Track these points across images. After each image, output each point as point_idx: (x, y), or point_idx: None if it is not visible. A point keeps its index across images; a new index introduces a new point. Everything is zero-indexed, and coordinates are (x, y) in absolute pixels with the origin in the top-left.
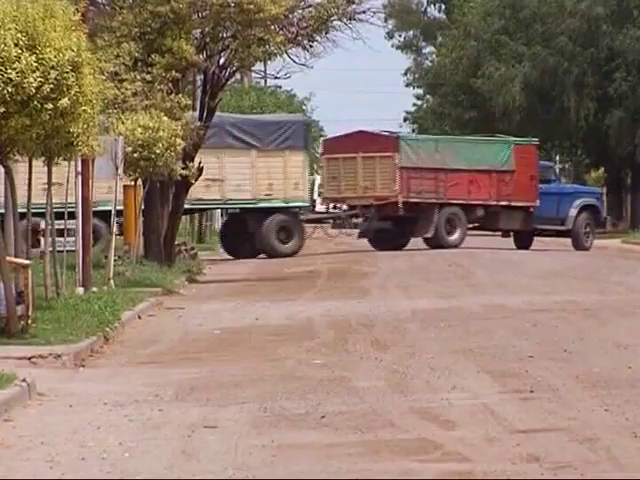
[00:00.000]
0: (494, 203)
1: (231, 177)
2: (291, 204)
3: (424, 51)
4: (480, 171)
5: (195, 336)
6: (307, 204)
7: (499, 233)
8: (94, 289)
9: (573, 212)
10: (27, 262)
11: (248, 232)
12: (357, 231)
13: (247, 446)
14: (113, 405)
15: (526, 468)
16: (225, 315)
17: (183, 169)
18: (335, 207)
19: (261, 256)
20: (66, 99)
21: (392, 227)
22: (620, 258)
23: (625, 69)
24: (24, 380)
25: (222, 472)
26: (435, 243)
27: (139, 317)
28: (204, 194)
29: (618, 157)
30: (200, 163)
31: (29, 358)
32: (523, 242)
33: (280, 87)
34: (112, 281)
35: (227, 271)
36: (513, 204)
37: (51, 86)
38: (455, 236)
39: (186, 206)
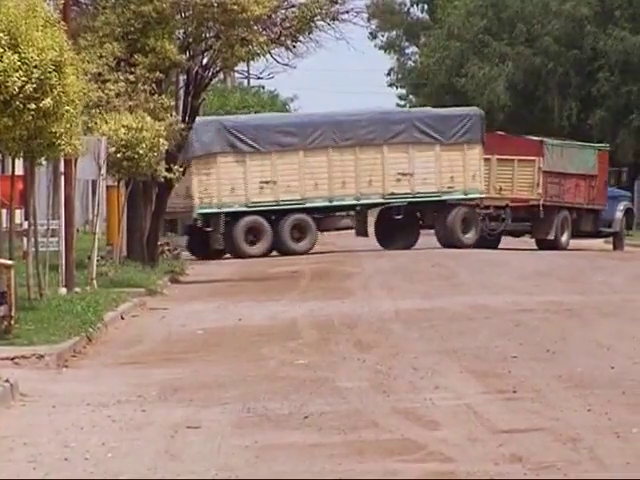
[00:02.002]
0: (585, 206)
1: (419, 171)
2: (470, 195)
3: (407, 51)
4: (581, 176)
5: (178, 336)
6: (483, 195)
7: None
8: (77, 289)
9: (619, 215)
10: (9, 262)
11: (423, 224)
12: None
13: (230, 446)
14: (96, 405)
15: (509, 468)
16: (208, 315)
17: (167, 171)
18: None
19: (414, 247)
20: (49, 99)
21: (528, 228)
22: (603, 258)
23: (608, 69)
24: (7, 381)
25: (205, 472)
26: (549, 245)
27: (122, 317)
28: (395, 188)
29: None
30: (183, 164)
31: (12, 359)
32: None
33: (263, 87)
34: (95, 281)
35: (210, 271)
36: (595, 207)
37: (34, 86)
38: (564, 238)
39: (379, 200)
